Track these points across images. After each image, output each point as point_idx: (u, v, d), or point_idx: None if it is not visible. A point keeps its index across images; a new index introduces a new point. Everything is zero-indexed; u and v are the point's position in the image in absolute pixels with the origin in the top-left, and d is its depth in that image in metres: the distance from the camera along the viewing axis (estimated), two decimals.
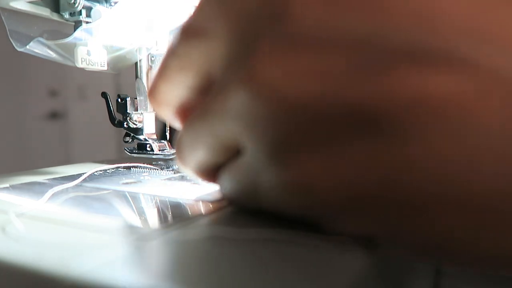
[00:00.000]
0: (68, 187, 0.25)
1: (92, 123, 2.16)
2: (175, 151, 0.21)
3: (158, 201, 0.23)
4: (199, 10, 0.18)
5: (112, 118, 0.36)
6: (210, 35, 0.17)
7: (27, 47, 0.30)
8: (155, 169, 0.32)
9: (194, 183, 0.27)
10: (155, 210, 0.21)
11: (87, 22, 0.32)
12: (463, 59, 0.13)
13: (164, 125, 0.36)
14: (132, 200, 0.23)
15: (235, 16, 0.16)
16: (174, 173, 0.30)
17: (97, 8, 0.32)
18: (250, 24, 0.16)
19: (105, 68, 0.33)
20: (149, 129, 0.36)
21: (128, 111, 0.35)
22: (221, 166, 0.19)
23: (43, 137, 2.45)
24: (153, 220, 0.19)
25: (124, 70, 0.35)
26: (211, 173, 0.20)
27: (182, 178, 0.29)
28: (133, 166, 0.33)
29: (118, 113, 0.36)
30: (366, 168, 0.14)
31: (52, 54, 0.32)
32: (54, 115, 2.47)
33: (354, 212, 0.15)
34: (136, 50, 0.35)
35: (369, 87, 0.13)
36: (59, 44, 0.31)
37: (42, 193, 0.22)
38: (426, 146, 0.13)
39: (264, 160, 0.16)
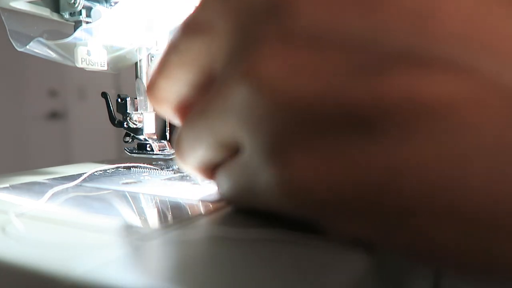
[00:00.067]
0: (68, 187, 0.25)
1: (92, 123, 2.16)
2: (174, 148, 0.21)
3: (158, 201, 0.23)
4: (201, 6, 0.18)
5: (112, 118, 0.36)
6: (211, 31, 0.17)
7: (27, 47, 0.30)
8: (155, 169, 0.32)
9: (194, 183, 0.27)
10: (155, 210, 0.21)
11: (87, 22, 0.32)
12: (458, 62, 0.13)
13: (164, 125, 0.36)
14: (132, 200, 0.23)
15: (237, 12, 0.16)
16: (174, 173, 0.30)
17: (97, 8, 0.32)
18: (252, 20, 0.16)
19: (105, 68, 0.33)
20: (149, 129, 0.36)
21: (128, 111, 0.35)
22: (220, 164, 0.19)
23: (43, 137, 2.46)
24: (153, 220, 0.19)
25: (124, 70, 0.35)
26: (210, 171, 0.20)
27: (182, 178, 0.29)
28: (133, 166, 0.33)
29: (118, 113, 0.36)
30: (360, 169, 0.14)
31: (52, 54, 0.32)
32: (54, 115, 2.47)
33: (348, 213, 0.14)
34: (136, 50, 0.35)
35: (364, 87, 0.13)
36: (59, 44, 0.31)
37: (42, 193, 0.22)
38: (416, 148, 0.13)
39: (261, 159, 0.16)
